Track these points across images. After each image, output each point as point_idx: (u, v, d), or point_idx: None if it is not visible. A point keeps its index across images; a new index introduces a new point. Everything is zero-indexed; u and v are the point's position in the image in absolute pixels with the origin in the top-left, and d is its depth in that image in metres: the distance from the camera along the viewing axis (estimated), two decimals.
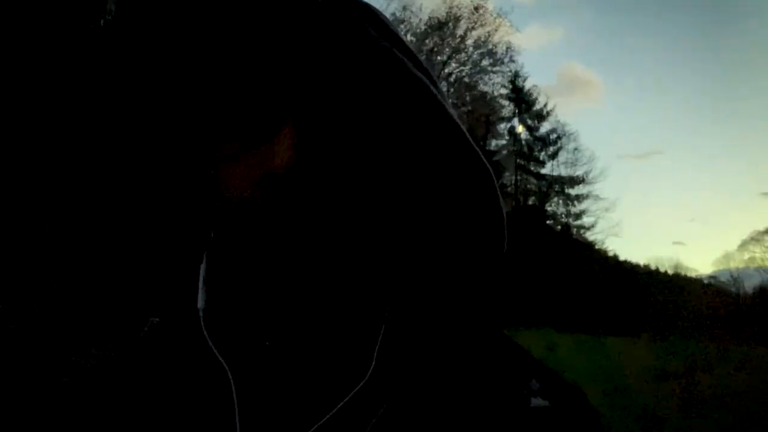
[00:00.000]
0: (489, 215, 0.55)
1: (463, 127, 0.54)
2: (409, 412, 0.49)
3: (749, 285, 31.45)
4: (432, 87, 0.53)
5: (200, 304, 0.55)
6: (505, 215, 0.56)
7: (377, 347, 0.51)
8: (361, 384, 0.49)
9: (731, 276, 32.95)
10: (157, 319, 0.59)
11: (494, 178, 0.55)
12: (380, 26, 0.52)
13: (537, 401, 0.51)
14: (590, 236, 29.32)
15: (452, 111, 0.54)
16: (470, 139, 0.54)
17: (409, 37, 23.59)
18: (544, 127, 28.69)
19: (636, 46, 50.06)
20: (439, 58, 24.71)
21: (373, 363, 0.51)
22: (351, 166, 0.51)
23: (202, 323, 0.54)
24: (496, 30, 25.22)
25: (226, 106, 0.50)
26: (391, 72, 0.51)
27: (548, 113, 28.55)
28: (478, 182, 0.55)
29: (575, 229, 28.97)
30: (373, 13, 0.52)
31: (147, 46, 0.53)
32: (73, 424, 0.53)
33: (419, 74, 0.53)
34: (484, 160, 0.54)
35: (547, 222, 27.93)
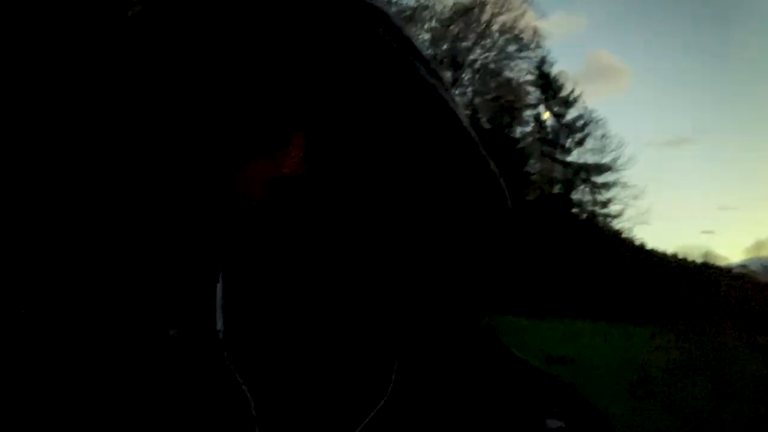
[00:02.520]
0: (498, 224, 0.56)
1: (473, 133, 0.54)
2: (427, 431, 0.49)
3: None
4: (443, 93, 0.53)
5: (218, 325, 0.55)
6: (513, 221, 0.56)
7: (395, 367, 0.51)
8: (380, 405, 0.49)
9: (761, 264, 32.28)
10: (175, 332, 0.57)
11: (503, 186, 0.56)
12: (393, 30, 0.51)
13: (552, 422, 0.51)
14: (617, 225, 29.03)
15: (463, 116, 0.54)
16: (480, 146, 0.54)
17: (433, 23, 23.46)
18: (571, 114, 28.27)
19: (663, 32, 48.86)
20: (464, 44, 24.51)
21: (392, 383, 0.50)
22: (363, 173, 0.50)
23: (222, 344, 0.53)
24: (522, 15, 24.93)
25: (237, 112, 0.49)
26: (403, 78, 0.51)
27: (575, 99, 28.10)
28: (485, 191, 0.55)
29: (602, 218, 28.68)
30: (387, 17, 0.51)
31: (163, 48, 0.52)
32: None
33: (431, 79, 0.52)
34: (494, 168, 0.55)
35: (573, 210, 27.65)
